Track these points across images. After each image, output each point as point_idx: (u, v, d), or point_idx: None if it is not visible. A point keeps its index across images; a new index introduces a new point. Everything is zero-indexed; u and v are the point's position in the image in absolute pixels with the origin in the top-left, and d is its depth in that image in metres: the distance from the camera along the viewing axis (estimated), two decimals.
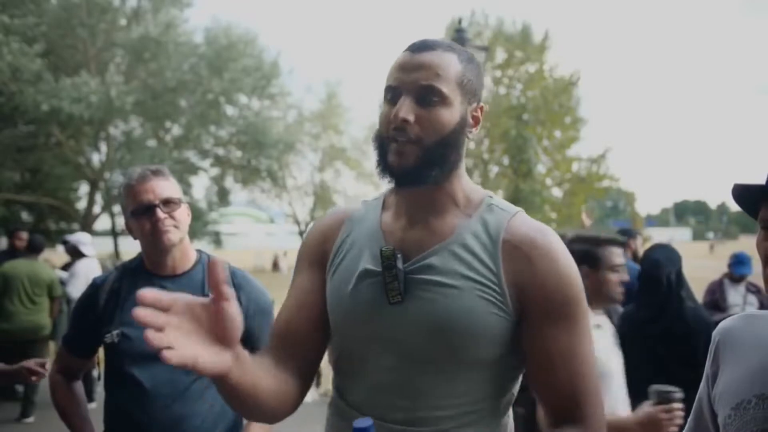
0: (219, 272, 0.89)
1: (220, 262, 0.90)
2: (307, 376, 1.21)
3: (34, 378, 2.06)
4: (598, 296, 2.25)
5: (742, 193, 1.10)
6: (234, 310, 0.91)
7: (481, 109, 1.18)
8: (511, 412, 1.21)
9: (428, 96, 1.10)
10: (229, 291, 0.90)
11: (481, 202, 1.18)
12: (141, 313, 0.84)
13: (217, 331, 0.91)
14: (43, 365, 2.01)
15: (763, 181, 1.05)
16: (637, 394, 2.10)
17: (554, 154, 24.91)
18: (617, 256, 2.27)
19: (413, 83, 1.10)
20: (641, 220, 44.39)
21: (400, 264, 1.11)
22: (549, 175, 25.00)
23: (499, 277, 1.09)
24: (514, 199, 21.72)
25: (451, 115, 1.11)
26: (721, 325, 1.23)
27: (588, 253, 2.26)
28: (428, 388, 1.10)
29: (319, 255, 1.25)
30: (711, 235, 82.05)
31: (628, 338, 2.84)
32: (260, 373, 1.06)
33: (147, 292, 0.85)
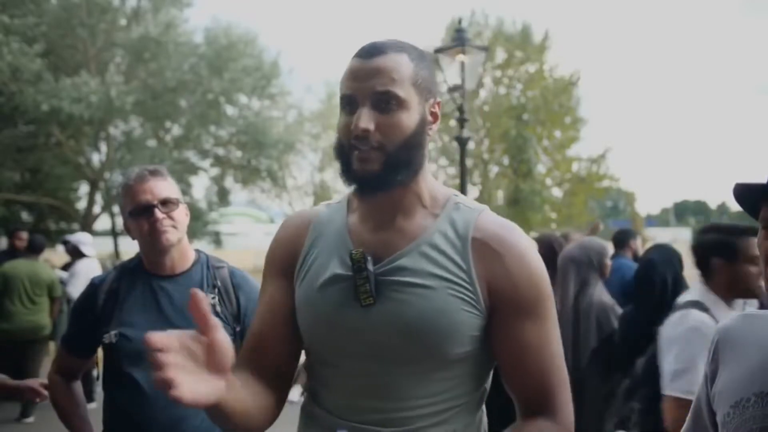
0: (202, 304, 0.90)
1: (200, 296, 0.90)
2: (283, 387, 1.21)
3: (37, 399, 2.05)
4: (733, 290, 2.06)
5: (742, 192, 1.09)
6: (225, 339, 0.92)
7: (438, 104, 1.17)
8: (484, 407, 1.21)
9: (386, 102, 1.08)
10: (215, 320, 0.92)
11: (447, 200, 1.18)
12: (159, 357, 0.85)
13: (210, 362, 0.91)
14: (46, 386, 2.00)
15: (763, 181, 1.05)
16: None
17: (554, 154, 24.87)
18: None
19: (369, 90, 1.08)
20: (641, 220, 44.31)
21: (370, 266, 1.10)
22: (549, 175, 24.97)
23: (471, 274, 1.09)
24: (514, 199, 21.72)
25: (410, 117, 1.10)
26: (720, 324, 1.23)
27: (724, 243, 2.07)
28: (403, 388, 1.10)
29: (286, 261, 1.23)
30: None
31: (628, 339, 2.84)
32: (243, 392, 1.07)
33: (155, 337, 0.86)
